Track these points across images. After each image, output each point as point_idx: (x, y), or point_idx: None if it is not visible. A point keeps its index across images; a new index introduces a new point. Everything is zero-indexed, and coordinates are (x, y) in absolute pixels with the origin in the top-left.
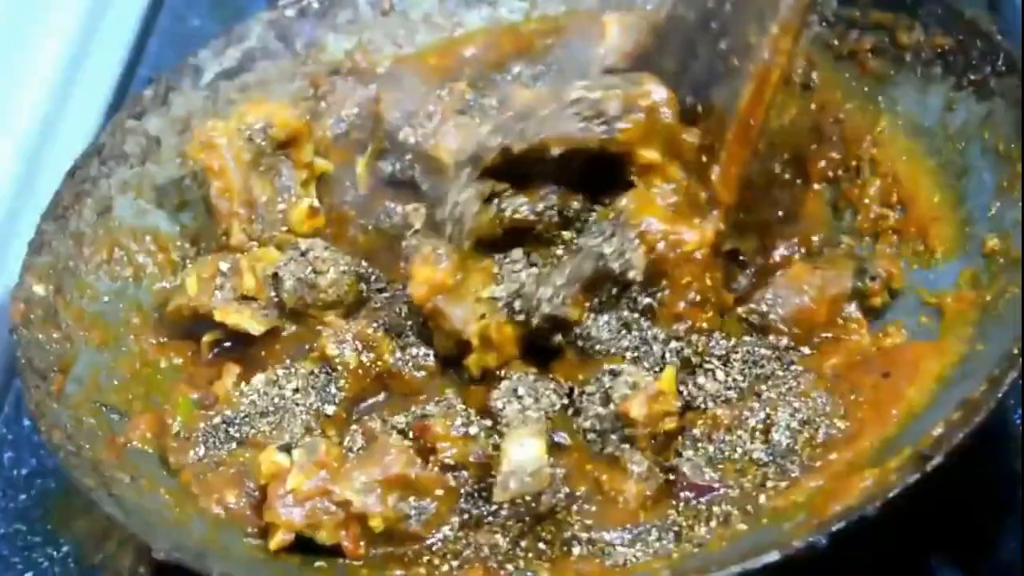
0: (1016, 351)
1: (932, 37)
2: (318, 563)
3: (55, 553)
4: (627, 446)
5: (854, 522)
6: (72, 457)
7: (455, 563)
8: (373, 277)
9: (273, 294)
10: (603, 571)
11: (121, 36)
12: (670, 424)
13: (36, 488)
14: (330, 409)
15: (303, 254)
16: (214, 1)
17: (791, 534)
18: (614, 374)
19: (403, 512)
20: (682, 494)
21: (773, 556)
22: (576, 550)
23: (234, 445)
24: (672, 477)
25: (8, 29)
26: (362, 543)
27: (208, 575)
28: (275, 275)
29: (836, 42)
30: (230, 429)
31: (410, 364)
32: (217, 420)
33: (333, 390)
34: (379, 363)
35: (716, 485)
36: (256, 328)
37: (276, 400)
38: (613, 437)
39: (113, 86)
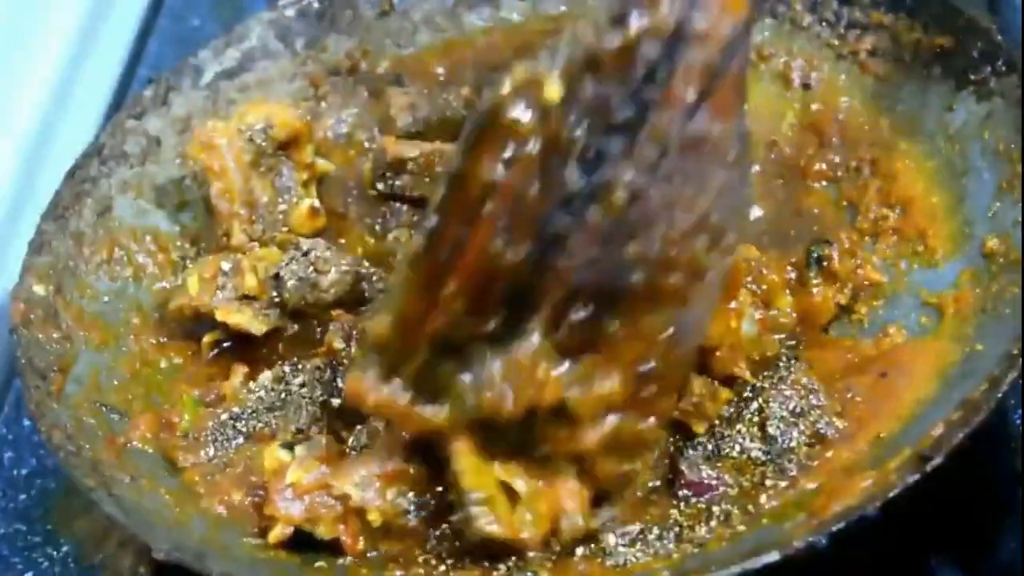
0: (1016, 351)
1: (932, 37)
2: (318, 563)
3: (55, 553)
4: None
5: (854, 522)
6: (72, 457)
7: (455, 563)
8: (374, 277)
9: (274, 294)
10: (603, 571)
11: (121, 36)
12: (699, 427)
13: (36, 488)
14: (336, 402)
15: (305, 254)
16: (214, 1)
17: (791, 534)
18: None
19: (401, 507)
20: (680, 492)
21: (773, 556)
22: (576, 550)
23: (241, 440)
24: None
25: (8, 29)
26: (361, 539)
27: (208, 575)
28: (276, 275)
29: (836, 42)
30: (237, 424)
31: None
32: (224, 417)
33: (340, 384)
34: None
35: (714, 483)
36: (258, 328)
37: (283, 395)
38: None
39: (113, 86)
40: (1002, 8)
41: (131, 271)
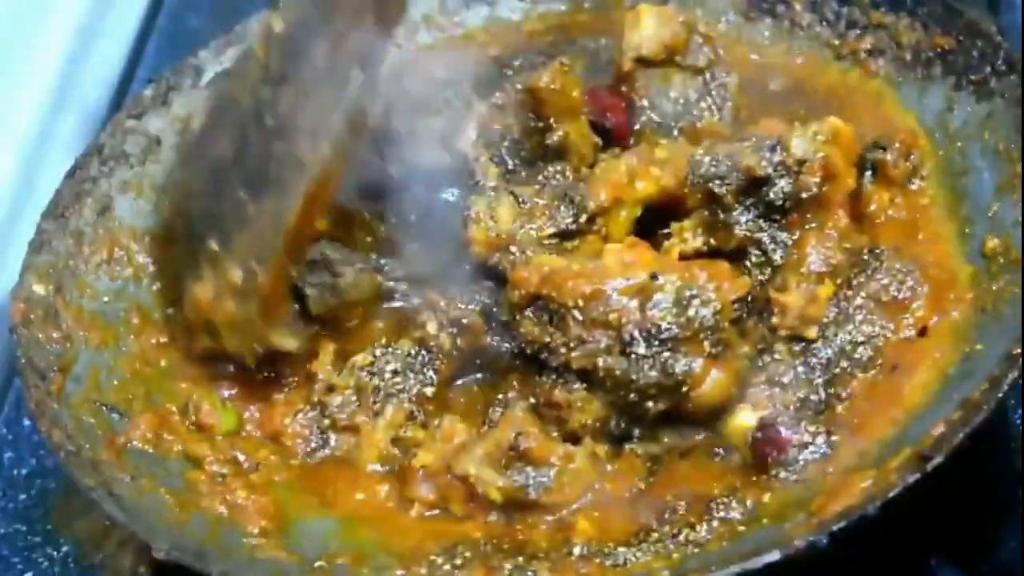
0: (1016, 351)
1: (932, 37)
2: (318, 563)
3: (55, 553)
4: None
5: (854, 522)
6: (72, 457)
7: (456, 563)
8: (386, 267)
9: (296, 306)
10: (603, 571)
11: (121, 36)
12: (811, 332)
13: (36, 488)
14: (429, 391)
15: (316, 261)
16: (214, 1)
17: (791, 534)
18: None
19: (519, 483)
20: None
21: (773, 556)
22: (576, 550)
23: (339, 435)
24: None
25: (8, 29)
26: (493, 513)
27: (208, 575)
28: (295, 288)
29: (836, 42)
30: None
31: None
32: (313, 414)
33: (431, 373)
34: (475, 345)
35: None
36: (291, 344)
37: (376, 383)
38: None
39: (113, 86)
40: (1002, 8)
41: (131, 271)
